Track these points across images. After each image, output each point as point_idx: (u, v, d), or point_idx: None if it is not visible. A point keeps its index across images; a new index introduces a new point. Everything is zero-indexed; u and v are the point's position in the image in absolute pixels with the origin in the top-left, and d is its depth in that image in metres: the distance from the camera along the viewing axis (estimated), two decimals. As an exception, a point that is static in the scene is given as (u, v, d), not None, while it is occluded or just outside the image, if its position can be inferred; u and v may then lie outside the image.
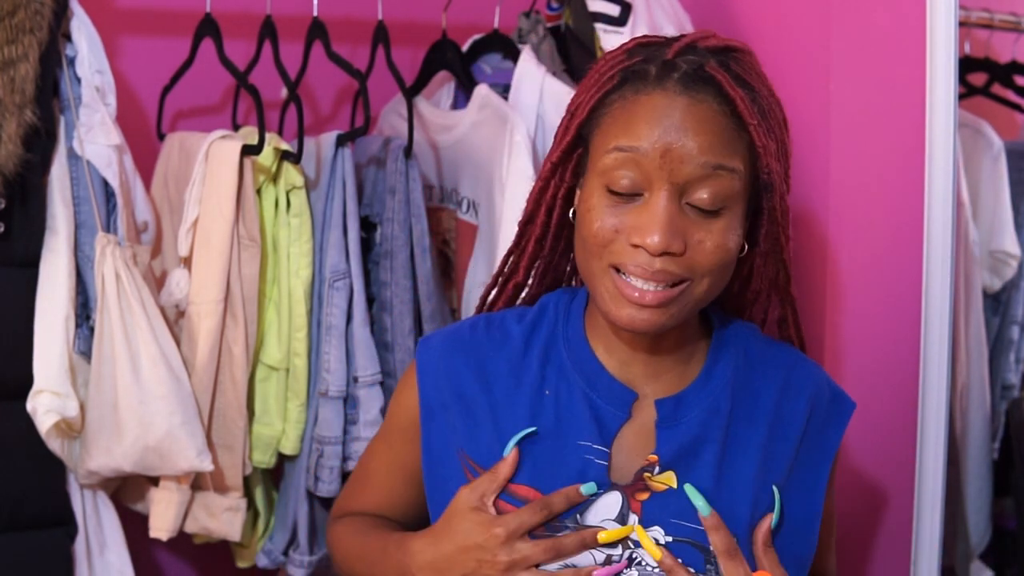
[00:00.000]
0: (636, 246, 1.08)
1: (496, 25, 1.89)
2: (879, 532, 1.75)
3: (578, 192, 1.18)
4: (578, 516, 1.12)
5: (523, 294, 1.28)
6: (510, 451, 1.12)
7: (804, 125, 1.83)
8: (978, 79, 2.01)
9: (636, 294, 1.08)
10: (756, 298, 1.26)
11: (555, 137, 1.20)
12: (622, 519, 1.12)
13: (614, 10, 1.85)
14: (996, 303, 2.00)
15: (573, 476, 1.13)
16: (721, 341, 1.21)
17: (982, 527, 1.97)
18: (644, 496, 1.13)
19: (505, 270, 1.28)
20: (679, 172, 1.07)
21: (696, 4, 2.01)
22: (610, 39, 1.83)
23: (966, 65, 1.89)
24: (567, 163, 1.18)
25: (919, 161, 1.67)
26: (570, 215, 1.19)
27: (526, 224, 1.23)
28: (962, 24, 1.69)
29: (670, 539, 1.11)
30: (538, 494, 1.12)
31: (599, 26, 1.84)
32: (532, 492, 1.12)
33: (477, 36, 1.93)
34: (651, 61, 1.12)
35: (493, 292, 1.30)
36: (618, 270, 1.10)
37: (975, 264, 1.92)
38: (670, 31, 1.87)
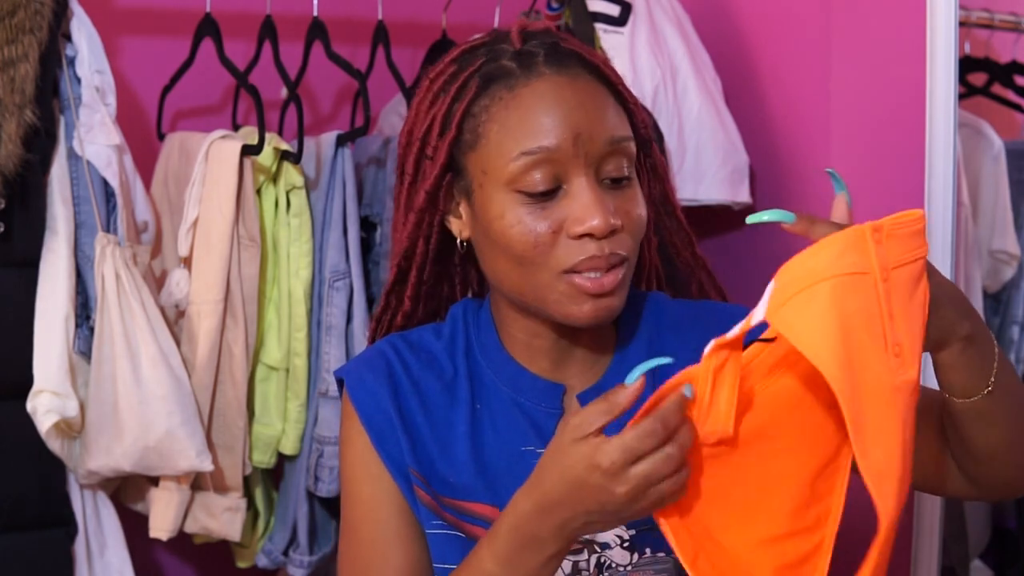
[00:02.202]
0: (580, 236, 1.03)
1: (496, 25, 1.89)
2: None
3: (455, 220, 1.12)
4: None
5: (413, 321, 1.22)
6: (635, 379, 0.91)
7: (804, 125, 1.83)
8: (978, 79, 2.01)
9: (596, 286, 1.04)
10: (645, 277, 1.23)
11: (409, 167, 1.13)
12: None
13: (614, 10, 1.85)
14: (996, 303, 1.99)
15: None
16: (628, 318, 1.17)
17: (982, 527, 1.97)
18: None
19: (390, 305, 1.21)
20: (592, 153, 1.04)
21: (696, 4, 2.01)
22: (610, 39, 1.83)
23: (966, 65, 1.88)
24: (439, 190, 1.11)
25: (919, 161, 1.67)
26: (459, 245, 1.13)
27: (405, 260, 1.17)
28: (962, 24, 1.68)
29: (633, 532, 1.10)
30: (496, 511, 1.08)
31: (599, 26, 1.84)
32: (490, 510, 1.09)
33: (477, 36, 1.93)
34: (498, 57, 1.09)
35: (380, 330, 1.22)
36: (573, 272, 1.05)
37: (975, 264, 1.92)
38: (670, 31, 1.87)
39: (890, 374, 0.86)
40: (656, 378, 0.96)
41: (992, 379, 1.01)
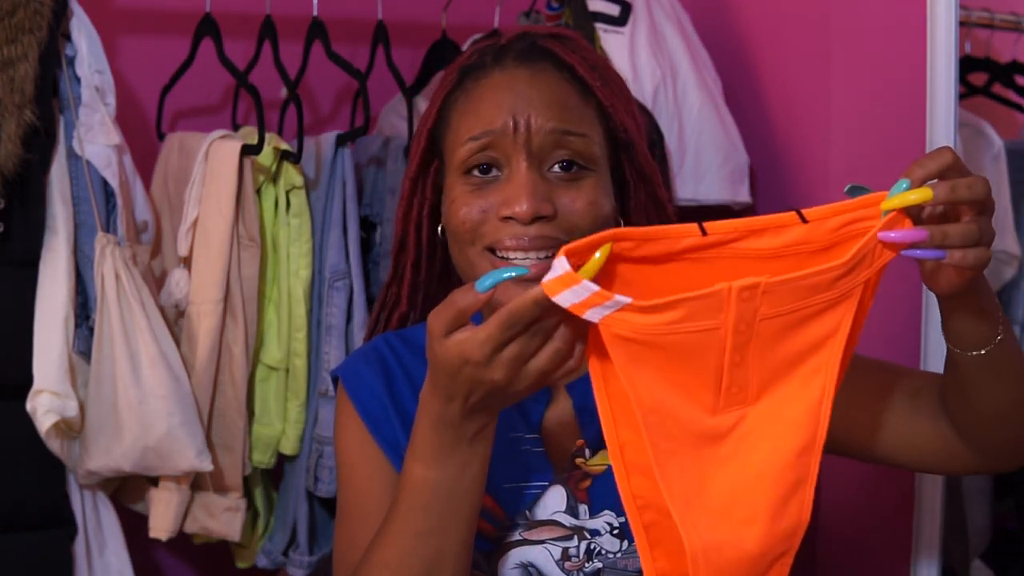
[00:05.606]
0: (506, 219, 1.07)
1: (496, 25, 1.90)
2: (879, 532, 1.75)
3: (443, 210, 1.17)
4: (527, 512, 1.12)
5: (408, 323, 1.25)
6: (481, 288, 0.90)
7: (804, 125, 1.83)
8: (978, 79, 2.01)
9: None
10: None
11: (410, 154, 1.21)
12: (572, 512, 1.11)
13: (614, 10, 1.85)
14: (996, 303, 1.99)
15: (519, 470, 1.13)
16: None
17: (982, 527, 1.97)
18: (586, 483, 1.12)
19: (387, 302, 1.25)
20: (533, 142, 1.08)
21: (696, 4, 2.01)
22: (610, 39, 1.83)
23: (966, 65, 1.88)
24: (425, 176, 1.18)
25: (919, 161, 1.66)
26: (439, 232, 1.18)
27: (399, 252, 1.22)
28: (962, 24, 1.68)
29: (623, 519, 1.11)
30: (488, 498, 1.10)
31: (599, 26, 1.84)
32: (484, 499, 1.09)
33: (477, 36, 1.93)
34: (485, 53, 1.14)
35: (378, 328, 1.26)
36: (495, 252, 1.09)
37: (975, 264, 1.92)
38: (670, 31, 1.87)
39: (708, 414, 0.90)
40: None
41: (1000, 327, 1.03)
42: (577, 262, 0.86)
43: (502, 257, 1.08)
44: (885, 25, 1.71)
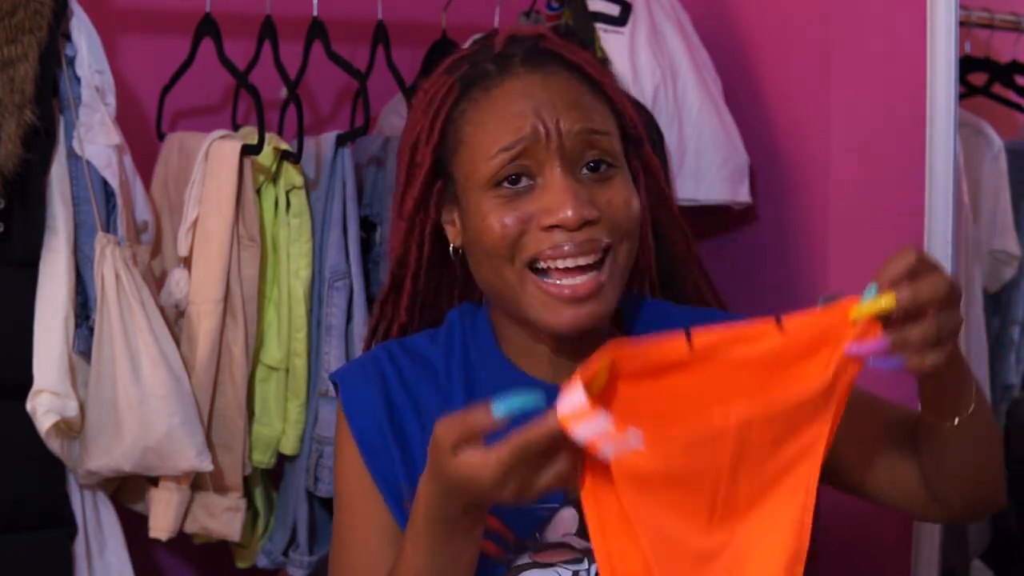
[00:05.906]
0: (550, 228, 1.04)
1: (496, 25, 1.89)
2: (879, 532, 1.75)
3: (450, 227, 1.14)
4: (537, 535, 1.10)
5: (408, 333, 1.21)
6: (499, 413, 0.90)
7: (804, 125, 1.83)
8: (978, 79, 2.01)
9: (567, 291, 1.04)
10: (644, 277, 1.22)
11: (402, 175, 1.15)
12: (583, 533, 1.08)
13: (614, 10, 1.85)
14: (996, 303, 1.99)
15: None
16: (635, 326, 1.17)
17: (982, 528, 1.97)
18: None
19: (385, 314, 1.21)
20: (564, 146, 1.05)
21: (696, 4, 2.01)
22: (610, 39, 1.83)
23: (966, 65, 1.88)
24: (429, 197, 1.13)
25: (919, 161, 1.67)
26: (451, 252, 1.14)
27: (399, 267, 1.18)
28: (962, 24, 1.68)
29: None
30: (496, 521, 1.08)
31: (599, 26, 1.84)
32: (493, 520, 1.07)
33: (477, 36, 1.93)
34: (482, 61, 1.10)
35: (377, 339, 1.22)
36: (536, 270, 1.05)
37: (975, 264, 1.92)
38: (670, 31, 1.87)
39: (703, 534, 0.94)
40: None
41: (974, 398, 1.04)
42: (583, 380, 0.88)
43: (545, 269, 1.05)
44: (885, 25, 1.71)
